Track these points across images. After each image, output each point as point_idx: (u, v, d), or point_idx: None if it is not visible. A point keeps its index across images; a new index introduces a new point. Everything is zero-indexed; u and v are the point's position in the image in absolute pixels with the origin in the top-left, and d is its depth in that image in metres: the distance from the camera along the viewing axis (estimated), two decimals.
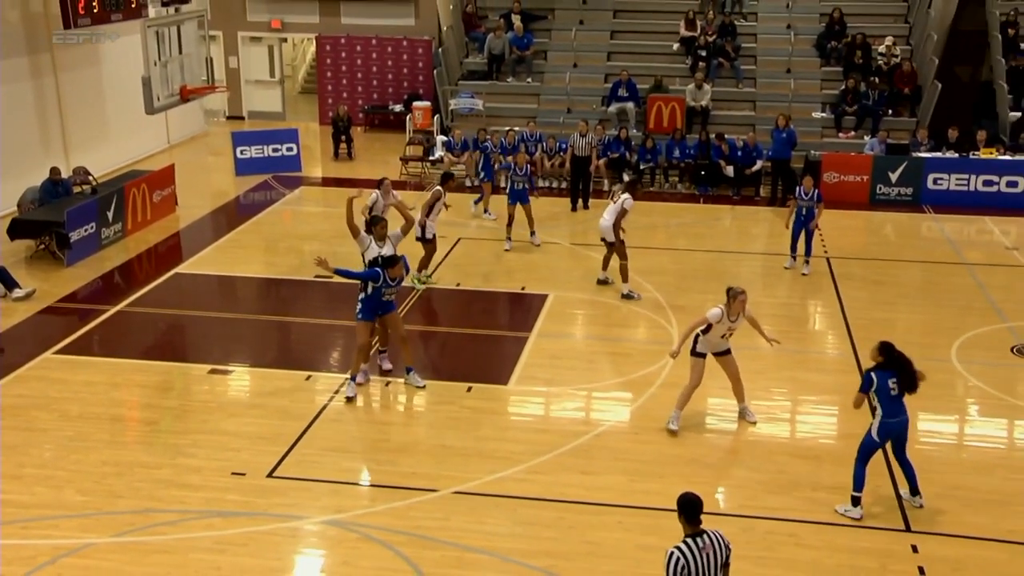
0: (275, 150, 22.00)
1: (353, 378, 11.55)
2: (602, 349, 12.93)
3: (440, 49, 24.85)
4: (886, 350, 9.09)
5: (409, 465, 9.96)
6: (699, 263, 16.29)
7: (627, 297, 14.40)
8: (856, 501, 9.07)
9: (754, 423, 10.87)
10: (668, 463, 10.05)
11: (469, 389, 11.63)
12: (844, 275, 15.58)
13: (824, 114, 22.26)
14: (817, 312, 14.53)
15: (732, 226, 18.89)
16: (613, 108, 22.46)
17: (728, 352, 10.74)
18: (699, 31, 23.58)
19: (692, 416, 11.12)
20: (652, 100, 22.19)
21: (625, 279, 14.46)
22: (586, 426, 10.89)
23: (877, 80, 22.23)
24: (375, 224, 12.43)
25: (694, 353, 10.57)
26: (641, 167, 20.80)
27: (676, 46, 23.99)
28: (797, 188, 15.45)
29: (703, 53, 23.16)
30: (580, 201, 19.41)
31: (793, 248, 15.73)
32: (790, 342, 13.27)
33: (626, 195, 14.35)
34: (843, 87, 22.17)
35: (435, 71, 24.59)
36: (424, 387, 11.61)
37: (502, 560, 8.42)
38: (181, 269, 15.73)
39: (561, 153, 20.70)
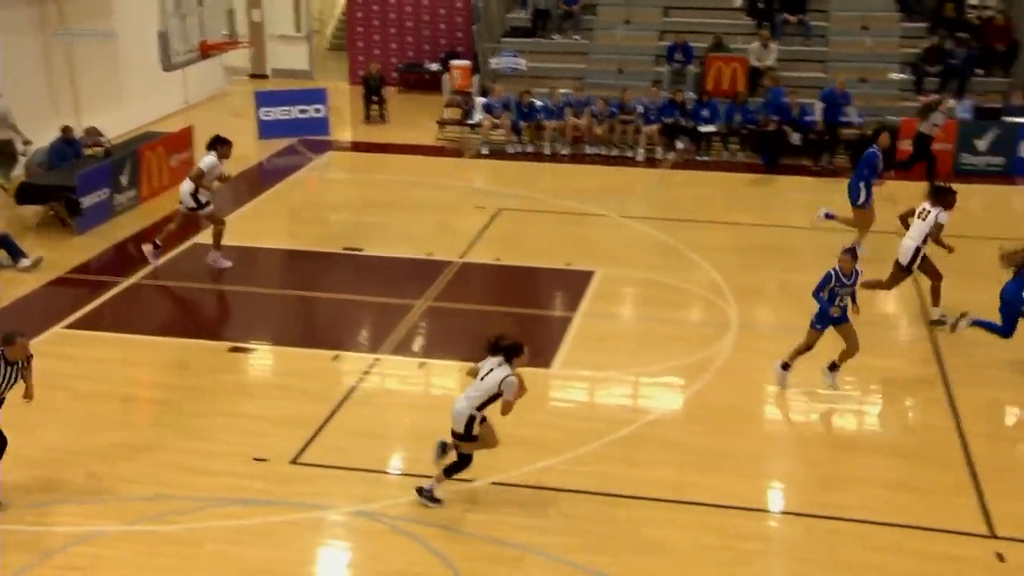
0: (302, 111, 22.09)
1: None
2: (653, 331, 12.89)
3: (480, 3, 24.78)
4: None
5: None
6: (762, 239, 16.15)
7: (937, 323, 12.96)
8: None
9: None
10: (723, 456, 10.01)
11: None
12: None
13: (903, 75, 21.90)
14: (892, 293, 14.31)
15: (798, 198, 18.68)
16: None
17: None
18: None
19: (748, 408, 11.07)
20: (711, 60, 21.99)
21: (936, 302, 13.16)
22: (635, 414, 10.88)
23: (966, 36, 21.80)
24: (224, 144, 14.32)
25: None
26: (700, 130, 20.62)
27: (739, 1, 23.70)
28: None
29: (760, 7, 22.85)
30: None
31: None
32: (861, 326, 13.13)
33: (938, 209, 12.88)
34: (927, 44, 21.79)
35: (474, 27, 24.54)
36: None
37: (541, 556, 8.46)
38: (200, 239, 15.88)
39: (611, 118, 20.60)
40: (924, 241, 12.86)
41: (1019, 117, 19.71)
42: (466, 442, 8.98)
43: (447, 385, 11.75)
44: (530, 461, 9.79)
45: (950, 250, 12.92)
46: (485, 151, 20.88)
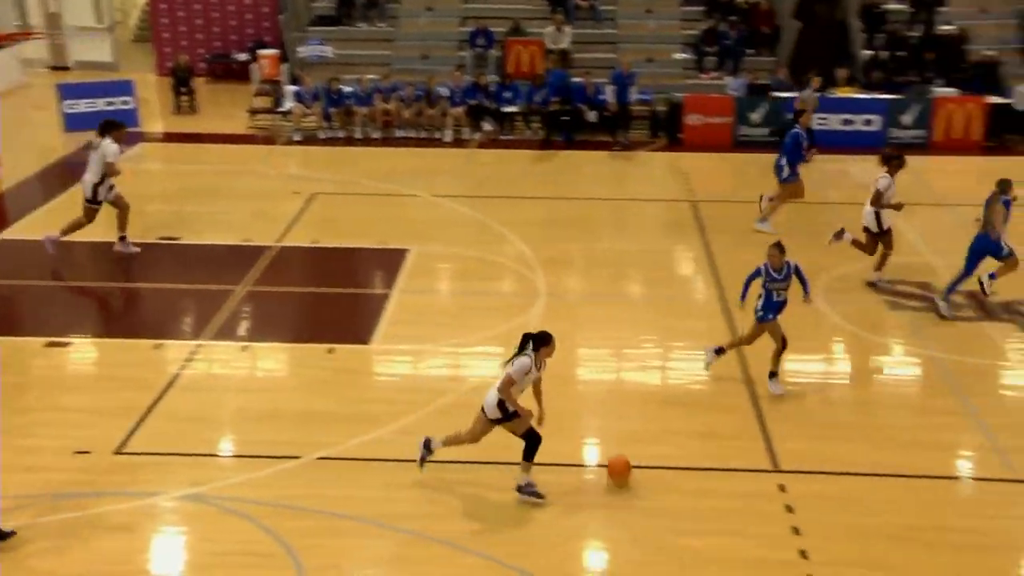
0: (109, 104, 21.03)
1: None
2: (468, 303, 12.98)
3: None
4: None
5: (270, 433, 9.83)
6: (565, 212, 16.46)
7: (873, 285, 13.39)
8: None
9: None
10: None
11: (331, 351, 11.52)
12: (710, 218, 16.00)
13: (686, 55, 22.70)
14: (683, 257, 14.90)
15: (597, 172, 19.14)
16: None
17: None
18: None
19: (561, 370, 11.28)
20: (510, 44, 22.20)
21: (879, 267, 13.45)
22: (455, 383, 10.95)
23: (736, 19, 22.80)
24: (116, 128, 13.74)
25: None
26: (504, 111, 20.80)
27: None
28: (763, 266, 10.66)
29: None
30: None
31: None
32: (657, 287, 13.63)
33: (882, 173, 13.17)
34: (705, 27, 22.65)
35: (280, 17, 23.95)
36: None
37: (371, 524, 8.43)
38: (7, 235, 15.00)
39: (418, 102, 20.56)
40: (877, 205, 13.09)
41: (785, 92, 20.75)
42: (512, 421, 8.62)
43: (270, 367, 11.54)
44: (355, 434, 9.73)
45: (898, 208, 13.17)
46: (297, 138, 20.47)
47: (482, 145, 20.37)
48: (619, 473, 8.93)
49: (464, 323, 12.27)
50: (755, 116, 20.45)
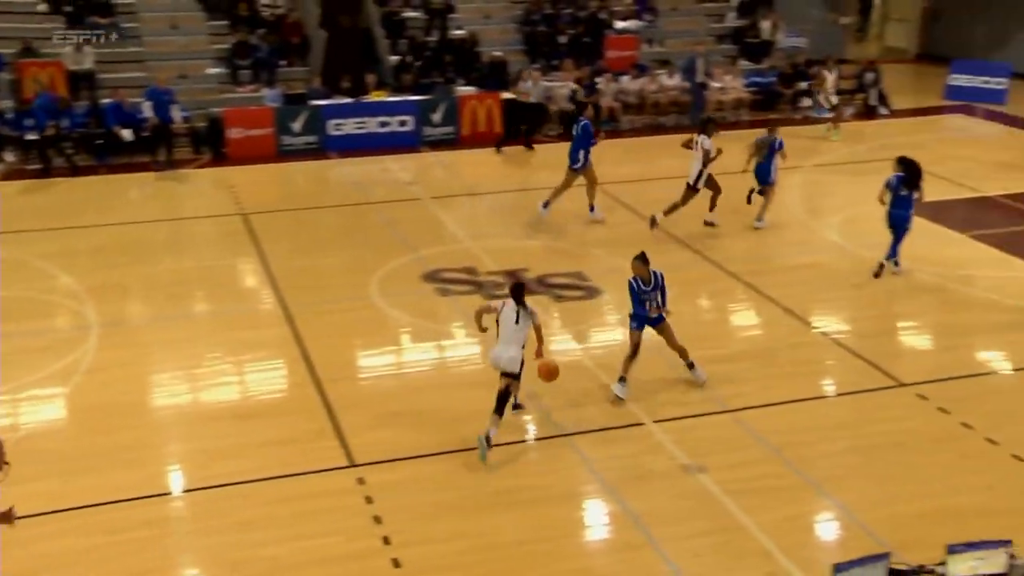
0: None
1: None
2: (12, 347, 11.75)
3: None
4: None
5: None
6: (111, 237, 15.50)
7: (710, 224, 15.58)
8: None
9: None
10: (107, 453, 9.55)
11: None
12: (263, 230, 15.82)
13: (219, 69, 22.22)
14: (242, 270, 14.63)
15: (142, 194, 18.25)
16: None
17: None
18: None
19: (127, 400, 10.65)
20: (24, 66, 20.37)
21: (712, 207, 15.46)
22: (8, 432, 9.87)
23: (265, 31, 22.72)
24: None
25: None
26: (27, 138, 19.09)
27: (42, 5, 22.15)
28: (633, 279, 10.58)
29: (69, 10, 21.72)
30: None
31: None
32: (220, 303, 13.29)
33: (703, 137, 15.04)
34: (234, 40, 22.30)
35: None
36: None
37: None
38: None
39: None
40: (704, 164, 14.98)
41: (322, 100, 21.06)
42: (518, 380, 9.54)
43: None
44: None
45: (719, 151, 15.17)
46: None
47: (6, 177, 18.56)
48: (550, 373, 9.55)
49: (10, 368, 11.13)
50: (296, 125, 20.51)
